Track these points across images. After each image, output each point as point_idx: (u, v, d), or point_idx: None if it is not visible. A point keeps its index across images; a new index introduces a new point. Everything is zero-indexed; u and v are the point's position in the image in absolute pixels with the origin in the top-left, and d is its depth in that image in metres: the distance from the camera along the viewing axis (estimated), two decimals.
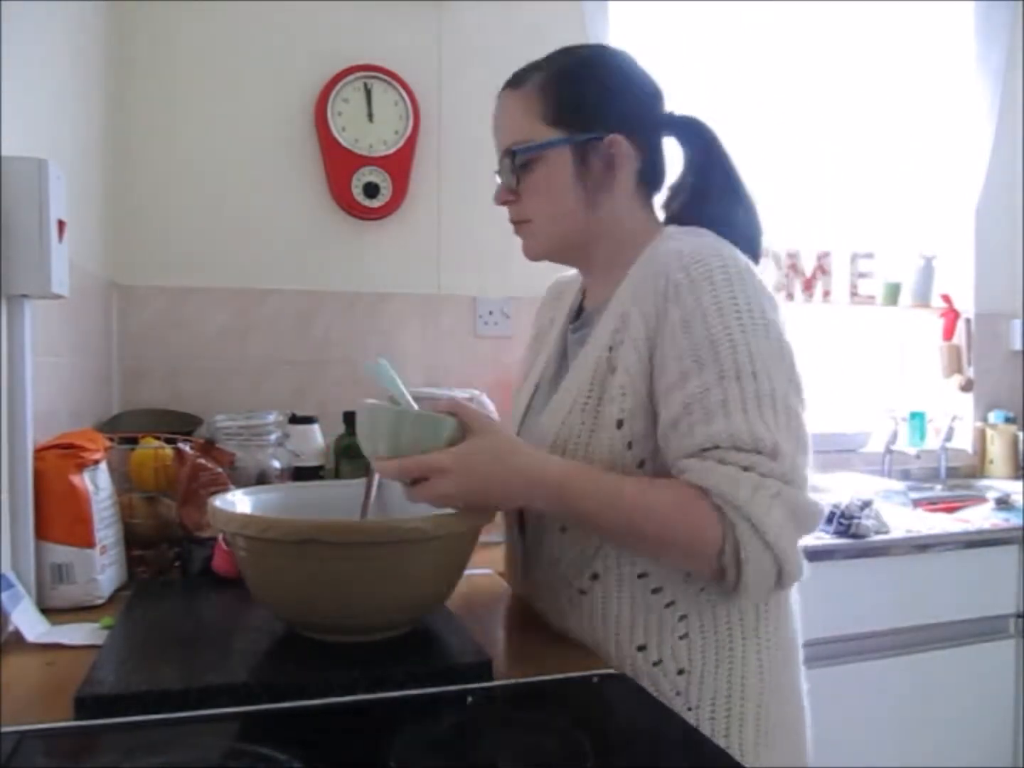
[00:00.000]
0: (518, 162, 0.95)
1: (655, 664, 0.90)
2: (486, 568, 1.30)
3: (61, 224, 1.06)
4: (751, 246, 0.96)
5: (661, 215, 1.02)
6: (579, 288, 1.10)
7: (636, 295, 0.91)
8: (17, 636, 0.94)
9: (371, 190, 1.99)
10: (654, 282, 0.88)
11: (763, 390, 0.82)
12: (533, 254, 1.03)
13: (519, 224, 1.01)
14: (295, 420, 1.72)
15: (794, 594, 0.99)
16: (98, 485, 1.15)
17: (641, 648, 0.90)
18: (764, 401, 0.82)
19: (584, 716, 0.79)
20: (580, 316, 1.06)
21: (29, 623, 0.96)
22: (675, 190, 1.01)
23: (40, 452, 1.09)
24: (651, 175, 0.99)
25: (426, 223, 2.08)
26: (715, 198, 0.97)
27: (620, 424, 0.89)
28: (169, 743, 0.70)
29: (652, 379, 0.88)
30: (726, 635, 0.90)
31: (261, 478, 1.49)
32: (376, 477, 1.06)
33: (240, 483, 1.34)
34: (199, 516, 1.23)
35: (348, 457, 1.79)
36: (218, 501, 0.92)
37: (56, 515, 1.08)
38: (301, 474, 1.64)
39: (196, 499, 1.25)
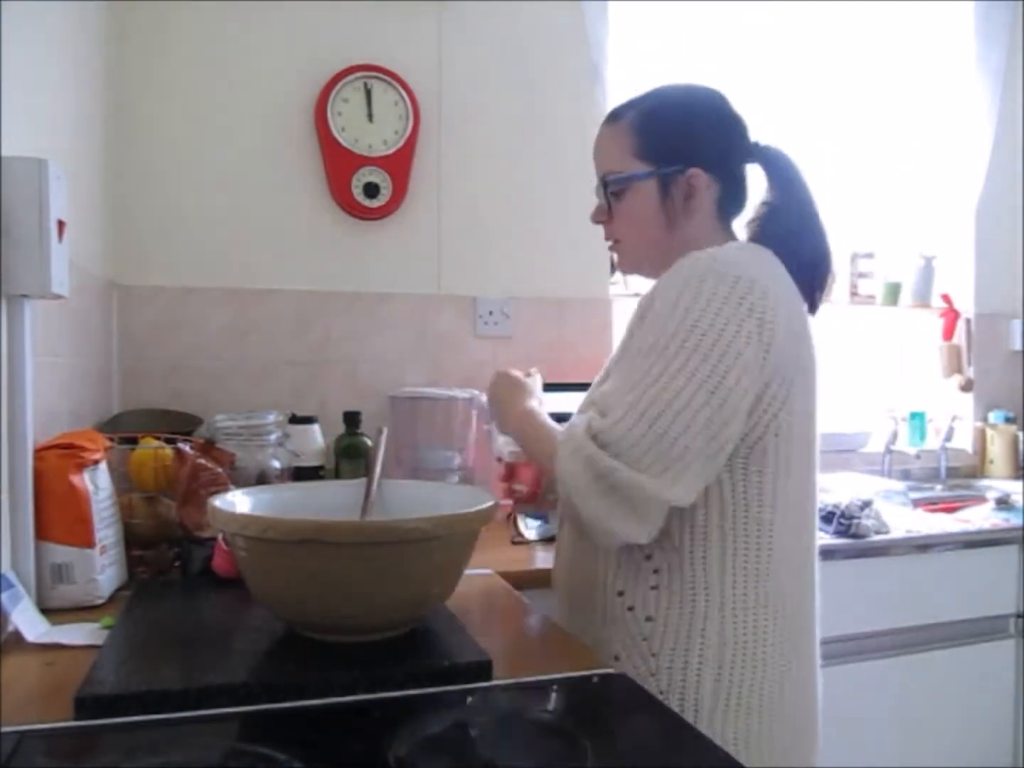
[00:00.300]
0: (610, 190, 1.08)
1: (629, 609, 1.01)
2: (486, 568, 1.30)
3: (61, 224, 1.06)
4: (810, 273, 1.04)
5: (743, 234, 1.11)
6: None
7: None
8: (17, 636, 0.94)
9: (371, 190, 1.99)
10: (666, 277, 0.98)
11: (655, 371, 0.91)
12: (624, 269, 1.20)
13: (612, 243, 1.14)
14: (295, 420, 1.72)
15: (787, 577, 1.00)
16: (98, 485, 1.15)
17: (620, 594, 1.02)
18: (648, 379, 0.91)
19: (584, 716, 0.79)
20: None
21: (29, 623, 0.96)
22: (755, 211, 1.10)
23: (40, 452, 1.09)
24: (730, 201, 1.09)
25: (426, 223, 2.08)
26: (786, 223, 1.05)
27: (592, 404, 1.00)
28: (169, 743, 0.70)
29: None
30: (689, 587, 0.98)
31: (261, 478, 1.49)
32: (377, 477, 1.07)
33: (240, 483, 1.34)
34: (199, 516, 1.23)
35: (348, 457, 1.79)
36: (218, 501, 0.92)
37: (56, 515, 1.08)
38: (301, 474, 1.64)
39: (196, 499, 1.25)
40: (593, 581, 1.05)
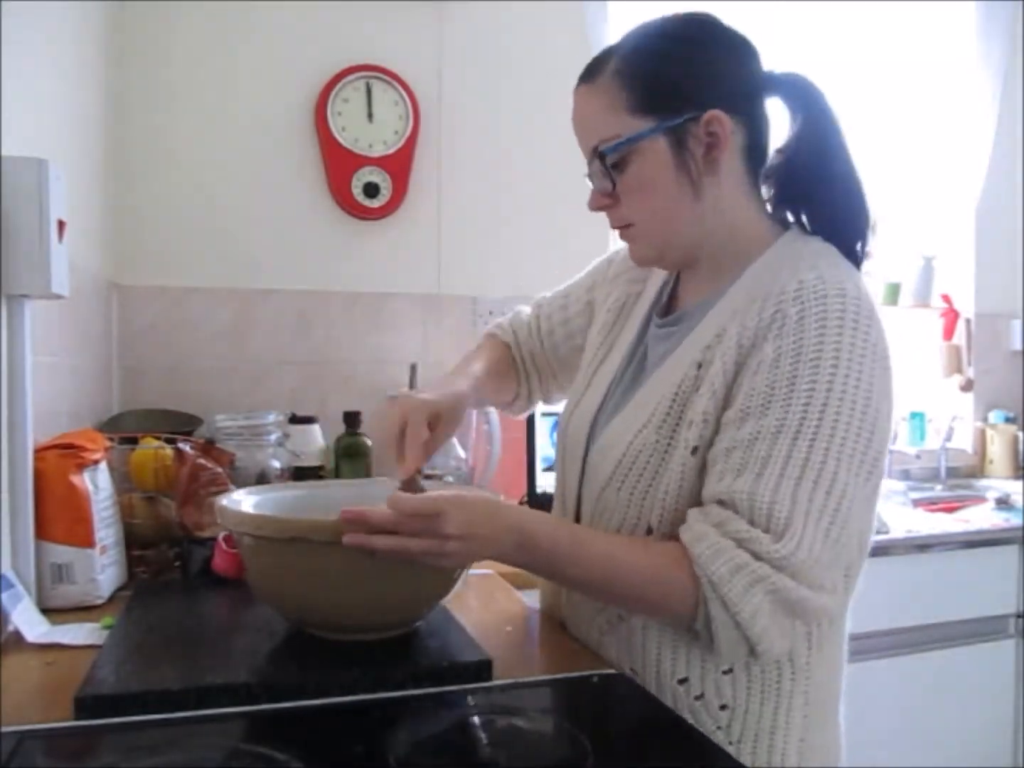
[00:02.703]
0: (609, 162, 0.85)
1: (697, 698, 0.85)
2: (486, 568, 1.30)
3: (61, 224, 1.06)
4: (850, 223, 0.89)
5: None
6: (669, 276, 1.00)
7: (739, 311, 0.82)
8: (17, 636, 0.94)
9: (371, 190, 1.99)
10: (762, 305, 0.80)
11: (814, 459, 0.75)
12: (643, 260, 0.93)
13: (622, 229, 0.90)
14: (295, 420, 1.72)
15: (848, 615, 0.93)
16: (98, 485, 1.15)
17: (682, 681, 0.86)
18: (809, 472, 0.75)
19: (584, 716, 0.79)
20: (670, 311, 0.96)
21: (29, 623, 0.96)
22: (774, 167, 0.90)
23: (40, 452, 1.09)
24: (758, 151, 0.87)
25: (426, 223, 2.08)
26: (817, 169, 0.86)
27: (695, 451, 0.82)
28: (169, 743, 0.70)
29: (724, 408, 0.82)
30: (774, 673, 0.85)
31: (261, 478, 1.49)
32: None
33: (240, 483, 1.34)
34: (199, 516, 1.23)
35: (348, 457, 1.79)
36: (224, 500, 0.92)
37: (56, 515, 1.08)
38: (301, 474, 1.64)
39: (196, 499, 1.25)
40: (634, 668, 0.88)
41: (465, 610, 1.02)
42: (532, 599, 1.18)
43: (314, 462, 1.72)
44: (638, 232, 0.89)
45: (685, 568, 0.77)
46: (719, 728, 0.85)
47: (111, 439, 1.30)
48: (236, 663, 0.84)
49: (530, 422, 1.94)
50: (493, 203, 2.12)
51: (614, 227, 0.91)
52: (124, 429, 1.51)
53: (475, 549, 0.78)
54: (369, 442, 1.80)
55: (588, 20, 2.15)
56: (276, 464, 1.54)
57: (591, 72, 0.87)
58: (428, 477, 1.53)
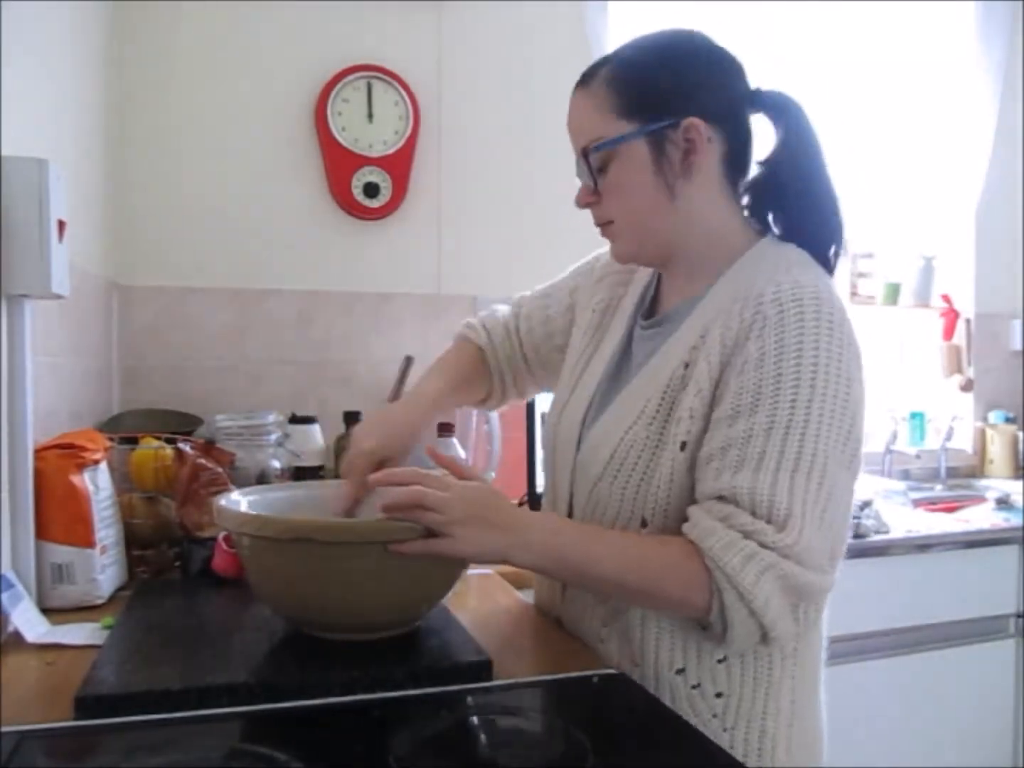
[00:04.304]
0: (594, 162, 0.91)
1: (694, 687, 0.89)
2: (486, 568, 1.30)
3: (61, 224, 1.06)
4: (825, 231, 0.92)
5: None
6: (651, 279, 1.04)
7: (721, 312, 0.87)
8: (17, 636, 0.94)
9: (371, 190, 1.99)
10: (742, 306, 0.85)
11: (806, 452, 0.80)
12: (621, 256, 0.98)
13: (603, 227, 0.96)
14: (295, 420, 1.72)
15: (825, 608, 0.94)
16: (98, 485, 1.15)
17: (680, 672, 0.89)
18: (802, 465, 0.80)
19: (584, 716, 0.79)
20: (652, 313, 1.01)
21: (29, 623, 0.96)
22: (754, 178, 0.95)
23: (40, 452, 1.09)
24: (736, 159, 0.92)
25: (426, 223, 2.08)
26: (795, 182, 0.91)
27: (683, 446, 0.86)
28: (169, 743, 0.70)
29: (711, 405, 0.86)
30: (765, 660, 0.89)
31: (261, 478, 1.49)
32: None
33: (240, 483, 1.34)
34: (199, 516, 1.23)
35: None
36: (223, 500, 0.92)
37: (56, 515, 1.08)
38: (301, 474, 1.64)
39: (196, 499, 1.25)
40: (633, 661, 0.91)
41: (465, 610, 1.02)
42: (532, 599, 1.18)
43: (314, 462, 1.72)
44: (617, 229, 0.94)
45: (697, 561, 0.80)
46: (714, 716, 0.89)
47: (111, 439, 1.30)
48: (236, 663, 0.84)
49: (530, 422, 1.94)
50: (493, 203, 2.12)
51: (596, 224, 0.97)
52: (124, 429, 1.51)
53: (485, 536, 0.83)
54: None
55: (588, 20, 2.15)
56: (276, 464, 1.54)
57: (586, 77, 0.93)
58: None
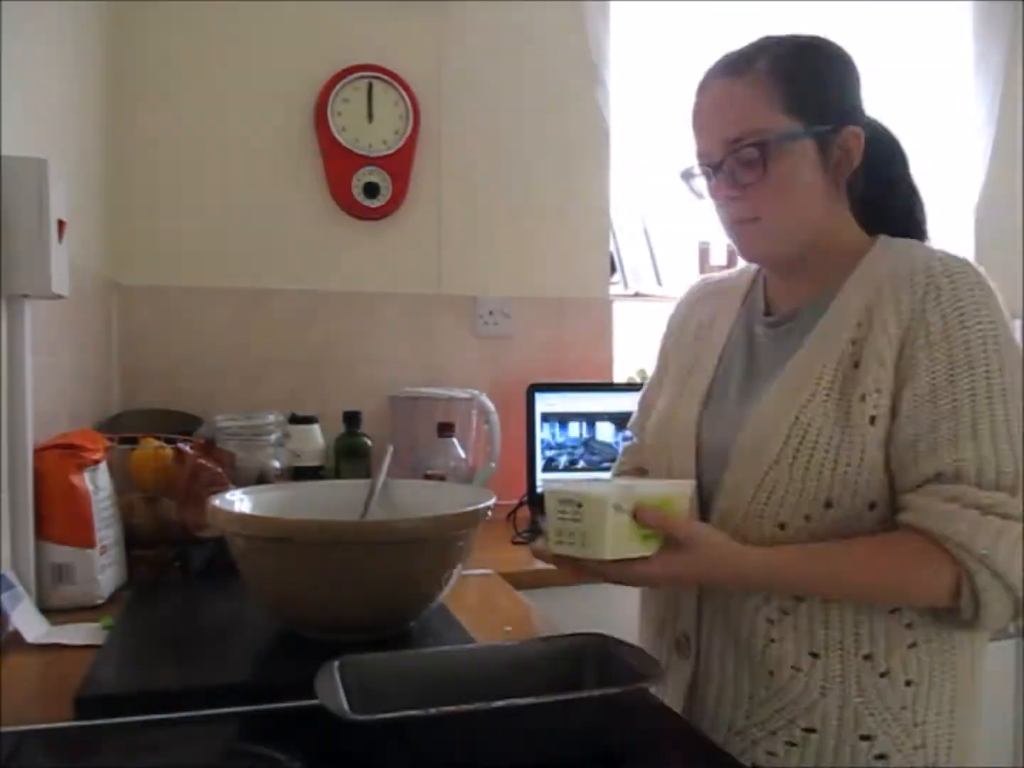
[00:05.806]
0: (747, 154, 0.88)
1: (882, 675, 0.85)
2: (486, 568, 1.30)
3: (61, 224, 1.06)
4: (913, 216, 1.03)
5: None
6: (752, 283, 1.05)
7: (883, 291, 0.87)
8: (17, 636, 0.94)
9: (371, 190, 1.99)
10: (911, 280, 0.85)
11: (1012, 414, 0.80)
12: (756, 255, 0.97)
13: (744, 223, 0.92)
14: (295, 420, 1.72)
15: None
16: (98, 485, 1.15)
17: (867, 657, 0.85)
18: (1013, 426, 0.80)
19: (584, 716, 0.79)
20: (769, 314, 1.00)
21: (29, 623, 0.96)
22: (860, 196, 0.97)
23: (40, 452, 1.09)
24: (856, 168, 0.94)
25: (426, 223, 2.08)
26: (891, 199, 1.00)
27: (873, 420, 0.84)
28: (169, 743, 0.70)
29: (897, 379, 0.84)
30: (949, 643, 0.87)
31: (261, 478, 1.49)
32: (383, 474, 1.05)
33: (240, 483, 1.34)
34: (199, 516, 1.23)
35: (348, 457, 1.79)
36: (216, 499, 0.92)
37: (56, 515, 1.08)
38: (301, 474, 1.64)
39: (196, 499, 1.24)
40: (813, 649, 0.86)
41: (465, 610, 1.02)
42: (532, 599, 1.18)
43: (314, 462, 1.73)
44: (764, 226, 0.91)
45: (934, 553, 0.79)
46: (904, 708, 0.85)
47: (111, 439, 1.30)
48: (236, 663, 0.84)
49: (530, 422, 1.94)
50: (493, 203, 2.12)
51: (736, 219, 0.92)
52: (124, 429, 1.51)
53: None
54: (369, 442, 1.80)
55: (588, 20, 2.15)
56: (276, 464, 1.54)
57: (736, 68, 0.91)
58: (429, 476, 1.51)
